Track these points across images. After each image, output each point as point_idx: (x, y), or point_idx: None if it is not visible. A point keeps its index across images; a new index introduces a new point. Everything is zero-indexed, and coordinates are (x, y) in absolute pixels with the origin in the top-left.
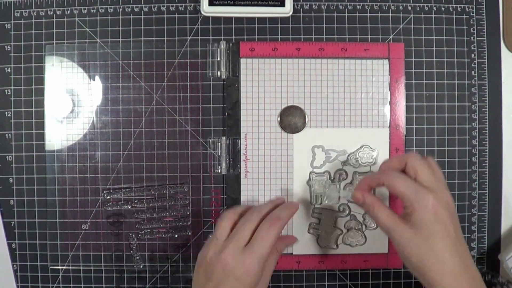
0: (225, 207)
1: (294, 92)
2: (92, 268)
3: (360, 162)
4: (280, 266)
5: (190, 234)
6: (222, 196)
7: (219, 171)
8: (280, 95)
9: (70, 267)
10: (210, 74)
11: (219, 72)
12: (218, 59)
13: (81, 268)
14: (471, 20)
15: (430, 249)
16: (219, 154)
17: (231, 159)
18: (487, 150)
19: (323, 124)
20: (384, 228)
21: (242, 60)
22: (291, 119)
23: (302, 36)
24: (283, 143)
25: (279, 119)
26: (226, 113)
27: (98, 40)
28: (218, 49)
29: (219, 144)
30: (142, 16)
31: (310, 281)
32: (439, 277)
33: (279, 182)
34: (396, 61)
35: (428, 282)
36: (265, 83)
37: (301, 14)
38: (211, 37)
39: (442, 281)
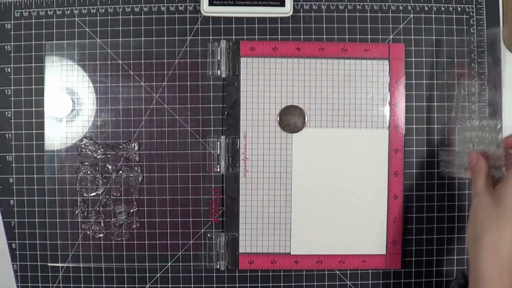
0: (224, 208)
1: (294, 91)
2: (92, 268)
3: None
4: (278, 266)
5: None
6: (222, 196)
7: (218, 170)
8: (280, 94)
9: (70, 267)
10: (210, 73)
11: (219, 71)
12: (218, 58)
13: (81, 268)
14: (471, 20)
15: (497, 224)
16: (218, 153)
17: (230, 158)
18: None
19: (322, 124)
20: (475, 191)
21: (242, 59)
22: (291, 119)
23: (302, 36)
24: (282, 143)
25: (278, 118)
26: (226, 112)
27: (98, 40)
28: (218, 48)
29: (218, 143)
30: (142, 16)
31: (310, 281)
32: (485, 253)
33: (278, 181)
34: (396, 62)
35: (473, 255)
36: (265, 82)
37: (301, 14)
38: (211, 37)
39: (485, 257)
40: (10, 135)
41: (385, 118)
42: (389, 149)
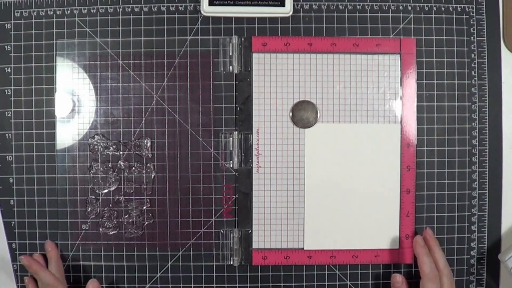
0: (237, 203)
1: (306, 87)
2: (92, 268)
3: None
4: (292, 261)
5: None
6: (234, 192)
7: (231, 166)
8: (292, 89)
9: (70, 267)
10: (221, 70)
11: (231, 67)
12: (230, 54)
13: (81, 267)
14: (471, 20)
15: None
16: (231, 149)
17: (243, 154)
18: (487, 150)
19: (335, 119)
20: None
21: (254, 55)
22: (303, 114)
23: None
24: (295, 138)
25: (291, 114)
26: (238, 108)
27: (98, 40)
28: (230, 44)
29: (231, 139)
30: (142, 16)
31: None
32: None
33: (290, 177)
34: (407, 57)
35: None
36: (277, 77)
37: (301, 14)
38: (211, 37)
39: None
40: (10, 135)
41: (397, 112)
42: (401, 143)
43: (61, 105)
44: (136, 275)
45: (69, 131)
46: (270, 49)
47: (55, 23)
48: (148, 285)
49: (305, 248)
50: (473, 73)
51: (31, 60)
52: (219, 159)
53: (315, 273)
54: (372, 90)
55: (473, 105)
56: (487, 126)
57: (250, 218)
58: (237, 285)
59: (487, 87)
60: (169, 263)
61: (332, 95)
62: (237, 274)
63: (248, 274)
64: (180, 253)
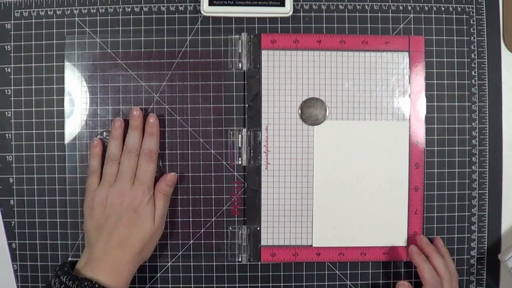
0: (245, 200)
1: (315, 84)
2: None
3: None
4: (300, 258)
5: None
6: (243, 189)
7: (240, 162)
8: (301, 87)
9: None
10: (231, 67)
11: (240, 64)
12: (240, 50)
13: None
14: (471, 20)
15: None
16: (240, 146)
17: (252, 151)
18: (487, 150)
19: (343, 116)
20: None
21: (264, 52)
22: (312, 111)
23: None
24: (304, 135)
25: (300, 111)
26: (247, 105)
27: (98, 40)
28: (240, 41)
29: (240, 136)
30: (142, 16)
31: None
32: None
33: (299, 174)
34: (416, 54)
35: None
36: (286, 75)
37: (301, 14)
38: (211, 37)
39: None
40: (10, 135)
41: (405, 110)
42: (410, 141)
43: (68, 105)
44: (136, 275)
45: (66, 131)
46: (279, 46)
47: (55, 23)
48: (148, 285)
49: (313, 245)
50: (473, 73)
51: (31, 60)
52: (219, 159)
53: (315, 273)
54: (381, 87)
55: (473, 105)
56: (487, 126)
57: (258, 215)
58: (237, 285)
59: (487, 87)
60: (169, 263)
61: (341, 92)
62: (237, 274)
63: (248, 274)
64: (180, 253)
